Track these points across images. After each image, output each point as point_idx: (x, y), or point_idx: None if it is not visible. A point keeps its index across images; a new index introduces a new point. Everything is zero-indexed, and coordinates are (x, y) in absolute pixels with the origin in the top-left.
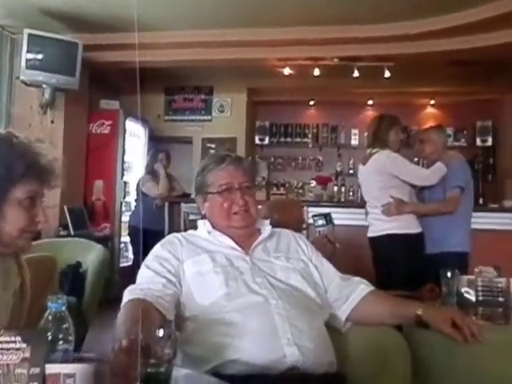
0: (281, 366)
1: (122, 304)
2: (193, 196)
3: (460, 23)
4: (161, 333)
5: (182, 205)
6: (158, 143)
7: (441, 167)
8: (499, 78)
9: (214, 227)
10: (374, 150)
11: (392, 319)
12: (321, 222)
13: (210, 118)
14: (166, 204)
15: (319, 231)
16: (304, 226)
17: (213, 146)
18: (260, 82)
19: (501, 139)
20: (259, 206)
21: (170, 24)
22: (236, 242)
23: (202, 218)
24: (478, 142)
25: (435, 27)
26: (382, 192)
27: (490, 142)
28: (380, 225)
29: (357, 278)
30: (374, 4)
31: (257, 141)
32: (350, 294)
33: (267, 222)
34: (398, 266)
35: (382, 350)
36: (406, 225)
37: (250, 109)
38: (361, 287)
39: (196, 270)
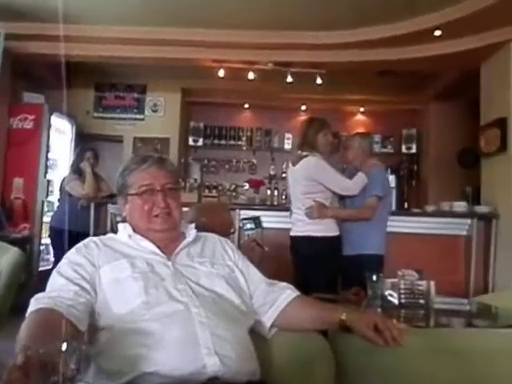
0: (201, 376)
1: (27, 314)
2: None
3: (387, 35)
4: (64, 347)
5: (110, 206)
6: (85, 141)
7: (362, 178)
8: (423, 89)
9: (135, 231)
10: (304, 153)
11: (317, 324)
12: (249, 225)
13: (142, 116)
14: (92, 205)
15: (248, 235)
16: (232, 230)
17: (141, 145)
18: (195, 83)
19: (424, 147)
20: (186, 209)
21: (101, 18)
22: (158, 247)
23: (123, 221)
24: (404, 149)
25: (364, 38)
26: (307, 196)
27: (414, 150)
28: (302, 226)
29: (283, 284)
30: (307, 12)
31: (190, 142)
32: (276, 300)
33: (192, 225)
34: (318, 267)
35: (306, 355)
36: (325, 228)
37: (184, 109)
38: (287, 292)
39: (113, 276)
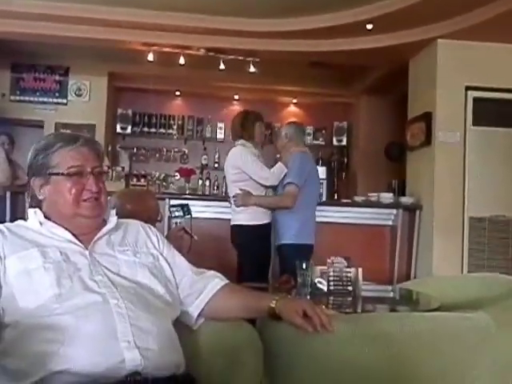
0: (119, 372)
1: None
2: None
3: (320, 26)
4: None
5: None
6: (1, 126)
7: (280, 168)
8: (354, 83)
9: (47, 217)
10: (236, 143)
11: (246, 313)
12: (178, 213)
13: (65, 101)
14: (8, 194)
15: (176, 223)
16: (159, 217)
17: (68, 132)
18: (122, 67)
19: (353, 139)
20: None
21: None
22: (75, 235)
23: (32, 207)
24: (335, 141)
25: (297, 27)
26: (235, 184)
27: (344, 142)
28: (233, 215)
29: (211, 272)
30: None
31: (118, 129)
32: (204, 289)
33: (113, 211)
34: (246, 255)
35: (234, 345)
36: (251, 217)
37: (111, 94)
38: (215, 281)
39: (22, 267)
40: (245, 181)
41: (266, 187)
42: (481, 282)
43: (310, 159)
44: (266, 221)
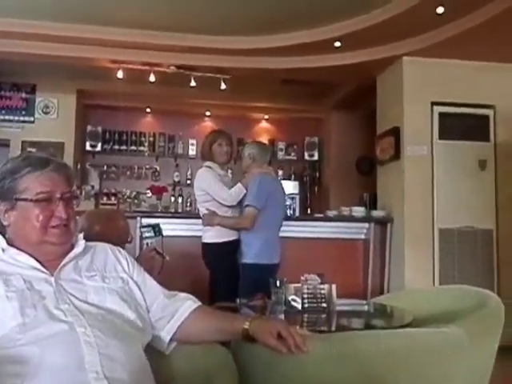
0: None
1: None
2: None
3: (288, 44)
4: None
5: None
6: None
7: (239, 189)
8: (325, 99)
9: (10, 244)
10: (203, 165)
11: (220, 335)
12: (148, 233)
13: (32, 119)
14: None
15: (147, 243)
16: (129, 238)
17: (35, 150)
18: (91, 84)
19: (325, 154)
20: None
21: None
22: (40, 262)
23: None
24: (306, 156)
25: (266, 45)
26: (202, 205)
27: (316, 157)
28: (203, 233)
29: (183, 294)
30: (209, 17)
31: (88, 147)
32: (175, 312)
33: (81, 235)
34: (213, 272)
35: (208, 369)
36: (216, 234)
37: (80, 112)
38: (187, 303)
39: None
40: (210, 201)
41: (230, 207)
42: (452, 294)
43: (272, 180)
44: (232, 238)
